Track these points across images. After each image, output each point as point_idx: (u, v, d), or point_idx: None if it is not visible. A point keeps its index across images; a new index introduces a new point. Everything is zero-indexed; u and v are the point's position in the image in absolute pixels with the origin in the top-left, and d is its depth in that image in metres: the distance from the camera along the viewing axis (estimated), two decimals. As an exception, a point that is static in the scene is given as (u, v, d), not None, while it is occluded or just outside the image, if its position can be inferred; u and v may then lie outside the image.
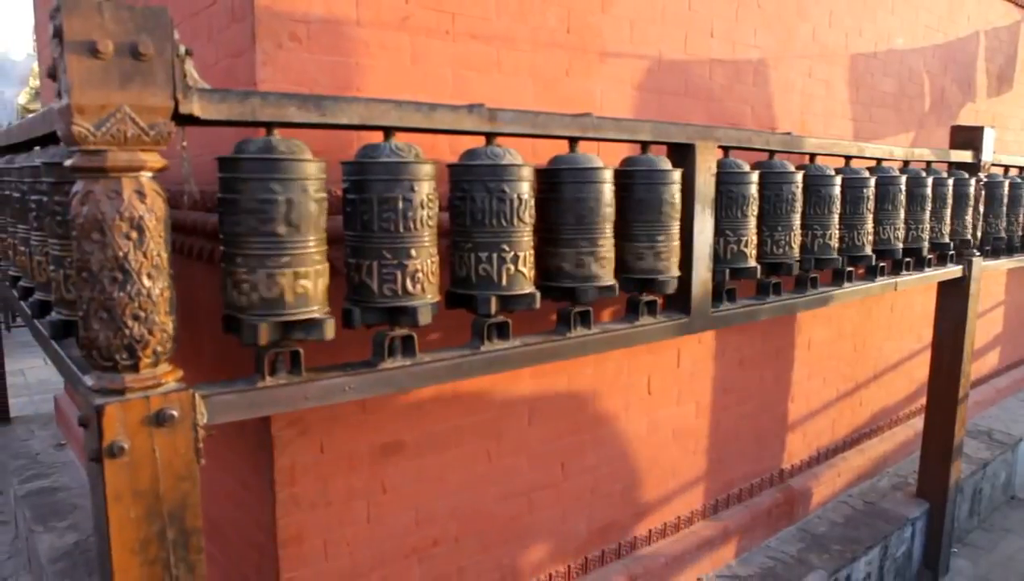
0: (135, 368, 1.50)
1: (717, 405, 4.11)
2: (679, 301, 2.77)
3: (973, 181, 4.48)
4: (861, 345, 5.22)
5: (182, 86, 1.49)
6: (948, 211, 4.25)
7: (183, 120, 1.54)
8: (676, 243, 2.65)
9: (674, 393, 3.85)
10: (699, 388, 3.99)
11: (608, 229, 2.42)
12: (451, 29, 2.67)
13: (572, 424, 3.35)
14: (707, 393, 4.05)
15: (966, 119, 5.96)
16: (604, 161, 2.46)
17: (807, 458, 4.89)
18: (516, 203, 2.07)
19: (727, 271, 2.93)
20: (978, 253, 4.64)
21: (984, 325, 6.71)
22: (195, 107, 1.53)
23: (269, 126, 1.72)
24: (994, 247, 4.97)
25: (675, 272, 2.66)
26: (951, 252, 4.41)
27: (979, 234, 4.67)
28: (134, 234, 1.43)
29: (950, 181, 4.22)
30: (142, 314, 1.47)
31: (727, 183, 2.87)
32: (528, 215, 2.14)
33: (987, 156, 4.58)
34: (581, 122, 2.32)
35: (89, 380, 1.52)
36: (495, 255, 2.06)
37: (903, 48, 5.18)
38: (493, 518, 3.10)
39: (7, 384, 6.58)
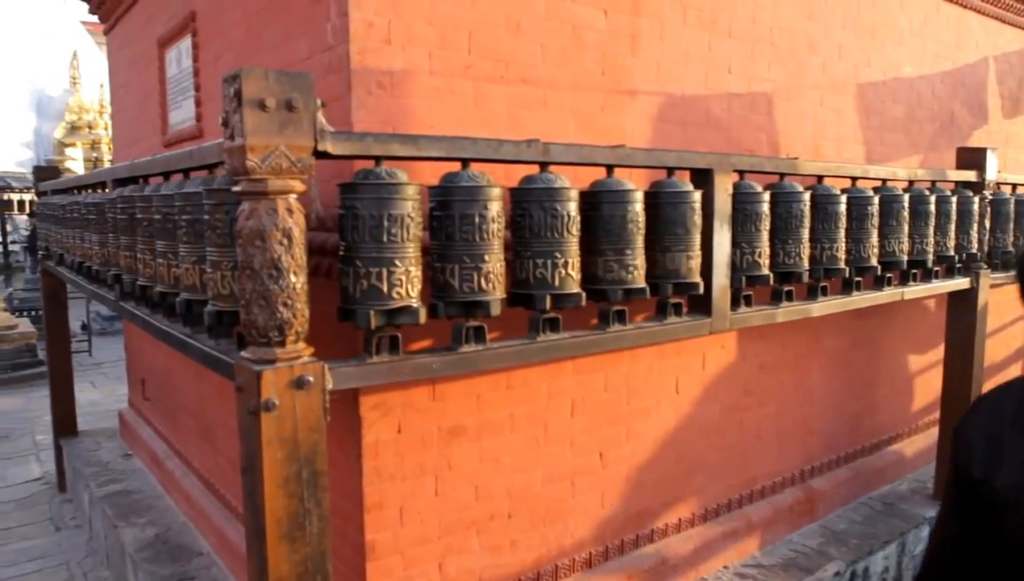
0: (283, 343, 1.97)
1: (740, 406, 4.41)
2: (702, 303, 3.18)
3: (977, 199, 4.76)
4: (878, 354, 5.43)
5: (319, 130, 1.98)
6: (953, 226, 4.51)
7: (319, 155, 2.02)
8: (698, 253, 3.06)
9: (700, 393, 4.17)
10: (723, 390, 4.30)
11: (639, 241, 2.84)
12: (505, 75, 3.15)
13: (609, 417, 3.72)
14: (730, 395, 4.35)
15: (979, 140, 6.12)
16: (634, 182, 2.88)
17: (827, 460, 5.09)
18: (566, 219, 2.53)
19: (743, 278, 3.32)
20: (985, 266, 4.93)
21: (1004, 339, 6.93)
22: (328, 146, 2.02)
23: (378, 159, 2.20)
24: (1003, 261, 5.24)
25: (698, 278, 3.06)
26: (958, 265, 4.69)
27: (986, 248, 4.94)
28: (285, 241, 1.91)
29: (953, 199, 4.49)
30: (289, 302, 1.94)
31: (742, 202, 3.26)
32: (576, 229, 2.59)
33: (991, 175, 4.83)
34: (617, 153, 2.78)
35: (247, 353, 2.00)
36: (549, 261, 2.51)
37: (911, 76, 5.43)
38: (540, 498, 3.50)
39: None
